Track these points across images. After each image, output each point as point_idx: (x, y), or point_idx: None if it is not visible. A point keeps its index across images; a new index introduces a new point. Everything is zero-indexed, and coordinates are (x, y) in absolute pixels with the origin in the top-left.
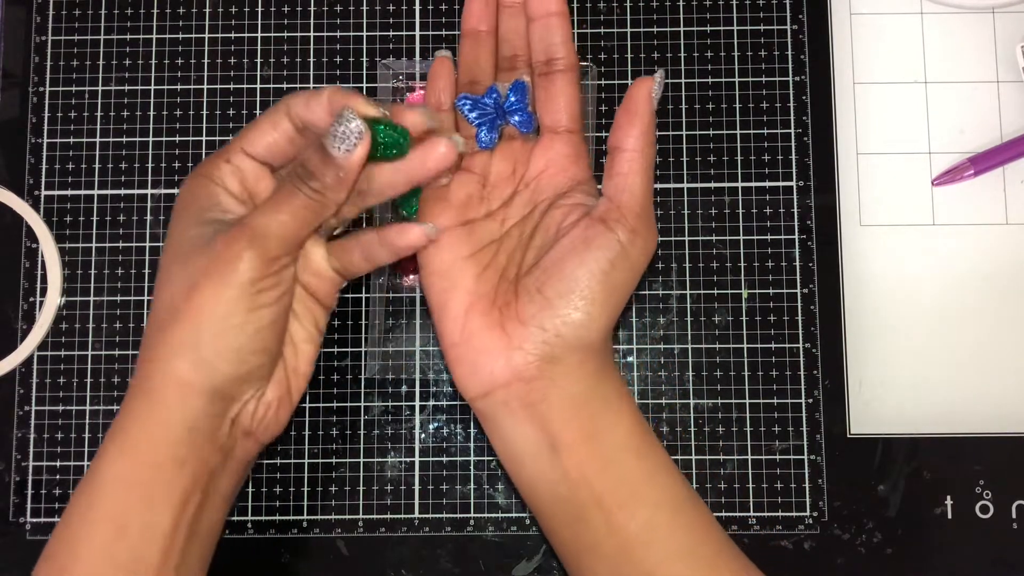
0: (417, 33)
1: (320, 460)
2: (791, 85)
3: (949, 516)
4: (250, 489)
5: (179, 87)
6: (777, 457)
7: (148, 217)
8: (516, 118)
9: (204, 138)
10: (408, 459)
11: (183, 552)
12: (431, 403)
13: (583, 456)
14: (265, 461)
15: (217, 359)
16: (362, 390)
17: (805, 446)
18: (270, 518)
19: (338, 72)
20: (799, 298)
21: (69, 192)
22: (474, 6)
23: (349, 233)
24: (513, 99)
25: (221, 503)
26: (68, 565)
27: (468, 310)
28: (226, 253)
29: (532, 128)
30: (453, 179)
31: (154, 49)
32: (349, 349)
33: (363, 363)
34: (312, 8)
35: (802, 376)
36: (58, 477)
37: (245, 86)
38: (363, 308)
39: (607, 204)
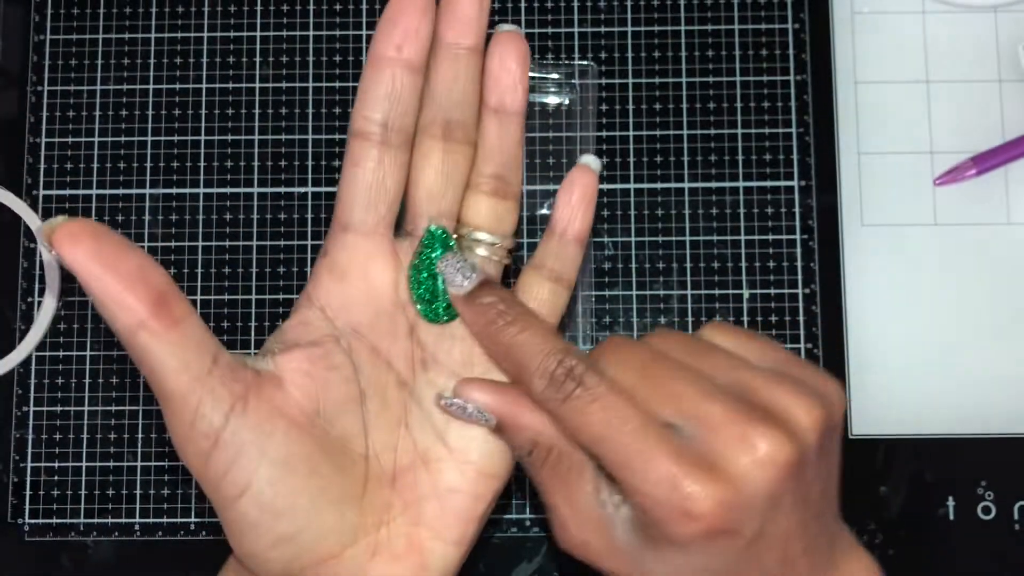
0: None
1: None
2: (792, 84)
3: (951, 517)
4: None
5: (179, 87)
6: None
7: (147, 217)
8: None
9: (203, 138)
10: None
11: None
12: None
13: None
14: None
15: None
16: None
17: None
18: None
19: (337, 71)
20: (800, 298)
21: (68, 192)
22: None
23: None
24: None
25: None
26: None
27: None
28: None
29: None
30: None
31: (153, 48)
32: None
33: None
34: (312, 8)
35: None
36: (56, 478)
37: (245, 86)
38: None
39: None
